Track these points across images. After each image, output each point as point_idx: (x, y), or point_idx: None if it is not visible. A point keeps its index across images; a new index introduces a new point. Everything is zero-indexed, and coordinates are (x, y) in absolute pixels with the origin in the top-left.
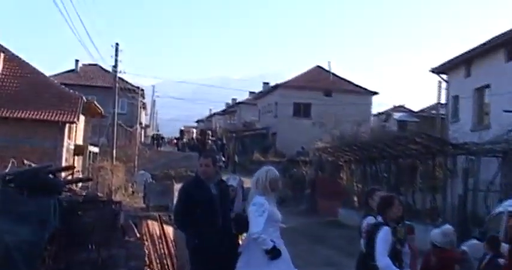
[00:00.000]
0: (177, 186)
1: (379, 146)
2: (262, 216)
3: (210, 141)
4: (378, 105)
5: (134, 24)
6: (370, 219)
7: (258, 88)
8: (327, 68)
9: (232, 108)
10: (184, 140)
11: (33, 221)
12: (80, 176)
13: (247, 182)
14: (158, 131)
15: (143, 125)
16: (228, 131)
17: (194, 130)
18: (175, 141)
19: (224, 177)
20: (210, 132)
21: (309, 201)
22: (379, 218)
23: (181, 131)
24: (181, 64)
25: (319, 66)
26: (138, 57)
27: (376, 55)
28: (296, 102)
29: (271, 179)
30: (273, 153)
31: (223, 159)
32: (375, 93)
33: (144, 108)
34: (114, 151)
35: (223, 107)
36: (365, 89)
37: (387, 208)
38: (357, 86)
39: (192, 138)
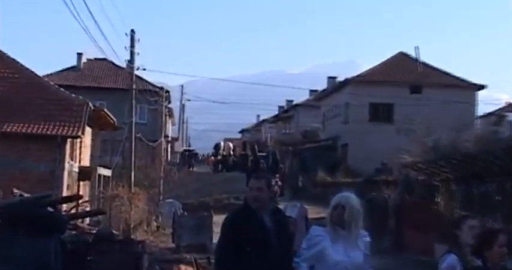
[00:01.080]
0: (218, 219)
1: (488, 158)
2: (309, 251)
3: (254, 157)
4: (485, 103)
5: (154, 10)
6: (452, 260)
7: (321, 85)
8: (413, 55)
9: (288, 112)
10: (220, 157)
11: (28, 267)
12: (88, 208)
13: (311, 211)
14: (190, 145)
15: (170, 138)
16: (283, 144)
17: (230, 144)
18: (212, 158)
19: (281, 206)
20: (255, 145)
21: (394, 235)
22: (478, 261)
23: (217, 146)
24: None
25: (403, 53)
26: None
27: (473, 42)
28: (373, 103)
29: (349, 212)
30: (343, 172)
31: (278, 181)
32: (482, 87)
33: (171, 115)
34: (133, 174)
35: (275, 112)
36: (467, 82)
37: (487, 247)
38: (456, 78)
39: (231, 154)
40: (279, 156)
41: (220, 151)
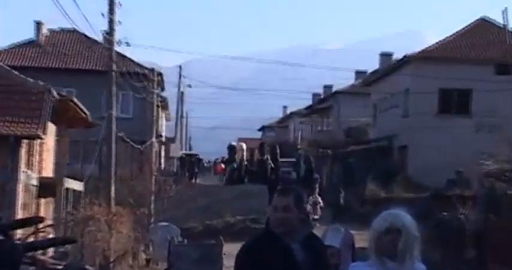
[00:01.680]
0: (230, 249)
1: None
2: None
3: (274, 164)
4: None
5: None
6: None
7: (370, 65)
8: (499, 21)
9: (325, 102)
10: (235, 164)
11: None
12: (52, 234)
13: (359, 238)
14: (191, 148)
15: (164, 139)
16: (319, 146)
17: (243, 145)
18: (222, 166)
19: (317, 231)
20: (277, 147)
21: (474, 268)
22: None
23: (232, 148)
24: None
25: (484, 20)
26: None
27: None
28: (444, 89)
29: (405, 239)
30: (402, 184)
31: (314, 197)
32: None
33: (165, 107)
34: (113, 188)
35: (308, 102)
36: None
37: None
38: None
39: (243, 159)
40: (313, 163)
41: (238, 155)
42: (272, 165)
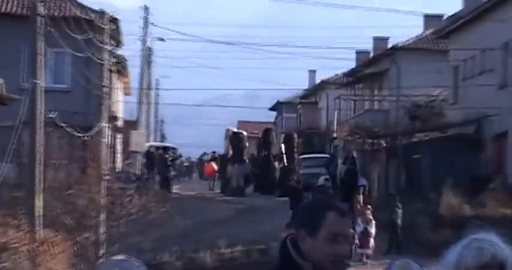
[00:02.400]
0: None
1: None
2: None
3: (288, 161)
4: None
5: None
6: None
7: (448, 4)
8: None
9: (376, 65)
10: (243, 161)
11: None
12: None
13: None
14: (163, 138)
15: (120, 123)
16: (366, 134)
17: (244, 133)
18: (214, 165)
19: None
20: (294, 136)
21: None
22: None
23: (234, 137)
24: None
25: None
26: None
27: None
28: None
29: None
30: (499, 193)
31: (370, 221)
32: None
33: (123, 74)
34: (40, 201)
35: (349, 65)
36: None
37: None
38: None
39: (243, 152)
40: (358, 162)
41: (245, 150)
42: (285, 163)
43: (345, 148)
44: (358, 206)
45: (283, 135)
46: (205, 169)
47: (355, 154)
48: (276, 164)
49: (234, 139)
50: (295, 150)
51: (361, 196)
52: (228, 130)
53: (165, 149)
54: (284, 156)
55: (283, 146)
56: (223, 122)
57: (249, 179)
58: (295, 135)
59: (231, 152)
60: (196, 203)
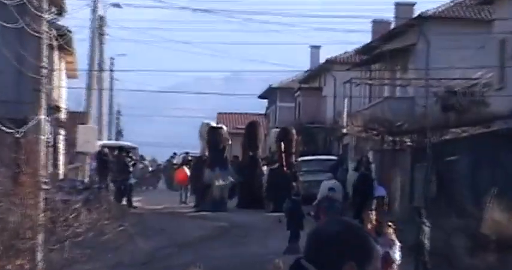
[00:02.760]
0: None
1: None
2: None
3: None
4: None
5: None
6: None
7: None
8: None
9: (397, 39)
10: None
11: None
12: None
13: None
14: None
15: (63, 116)
16: (384, 129)
17: (224, 128)
18: (186, 170)
19: None
20: (291, 132)
21: None
22: None
23: (214, 132)
24: None
25: None
26: None
27: None
28: None
29: None
30: None
31: (395, 245)
32: None
33: (67, 51)
34: None
35: (364, 38)
36: None
37: None
38: None
39: (224, 154)
40: (373, 165)
41: (227, 150)
42: (283, 167)
43: (357, 148)
44: (369, 226)
45: (276, 130)
46: (176, 176)
47: (370, 156)
48: (265, 168)
49: (212, 136)
50: (294, 150)
51: (374, 212)
52: (204, 124)
53: (121, 149)
54: (282, 157)
55: (282, 144)
56: (198, 113)
57: (232, 188)
58: (294, 131)
59: (207, 153)
60: (163, 220)
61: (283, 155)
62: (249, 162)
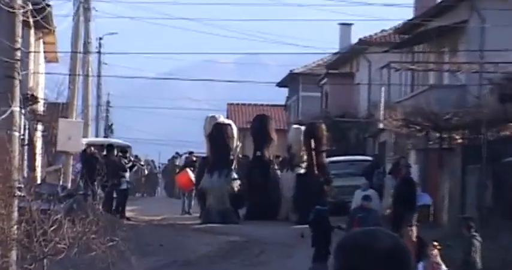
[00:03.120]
0: None
1: None
2: None
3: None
4: None
5: None
6: None
7: None
8: None
9: (443, 15)
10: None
11: None
12: None
13: None
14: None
15: (41, 108)
16: (429, 124)
17: (224, 120)
18: (189, 174)
19: None
20: (324, 129)
21: None
22: None
23: (218, 128)
24: None
25: None
26: None
27: None
28: None
29: None
30: None
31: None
32: None
33: (45, 30)
34: None
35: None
36: None
37: None
38: None
39: (230, 154)
40: (417, 167)
41: (233, 149)
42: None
43: (396, 146)
44: (410, 244)
45: (296, 127)
46: (178, 180)
47: (413, 156)
48: (279, 172)
49: (217, 134)
50: (323, 149)
51: (414, 228)
52: (209, 119)
53: (110, 148)
54: (312, 158)
55: (312, 142)
56: (204, 105)
57: (239, 196)
58: (324, 127)
59: (210, 154)
60: (162, 234)
61: (313, 155)
62: (258, 163)
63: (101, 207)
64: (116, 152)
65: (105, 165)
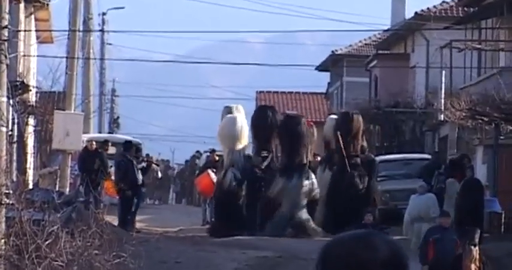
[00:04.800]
0: None
1: None
2: None
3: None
4: None
5: None
6: None
7: None
8: None
9: None
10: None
11: None
12: None
13: None
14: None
15: (33, 99)
16: (502, 115)
17: (240, 108)
18: (212, 176)
19: None
20: (359, 121)
21: None
22: None
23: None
24: None
25: None
26: None
27: None
28: None
29: None
30: None
31: None
32: None
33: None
34: None
35: None
36: None
37: None
38: None
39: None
40: (486, 166)
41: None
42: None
43: (460, 142)
44: (473, 267)
45: (333, 117)
46: (197, 184)
47: (479, 155)
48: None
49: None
50: (358, 144)
51: (477, 248)
52: (226, 110)
53: (129, 145)
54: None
55: (339, 136)
56: (227, 93)
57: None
58: (359, 118)
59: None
60: (178, 249)
61: (343, 150)
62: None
63: (104, 216)
64: (133, 151)
65: (122, 165)
